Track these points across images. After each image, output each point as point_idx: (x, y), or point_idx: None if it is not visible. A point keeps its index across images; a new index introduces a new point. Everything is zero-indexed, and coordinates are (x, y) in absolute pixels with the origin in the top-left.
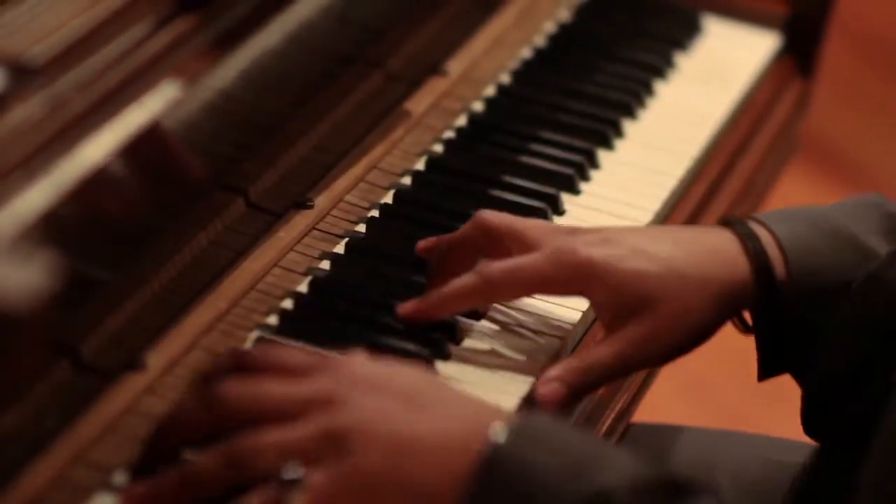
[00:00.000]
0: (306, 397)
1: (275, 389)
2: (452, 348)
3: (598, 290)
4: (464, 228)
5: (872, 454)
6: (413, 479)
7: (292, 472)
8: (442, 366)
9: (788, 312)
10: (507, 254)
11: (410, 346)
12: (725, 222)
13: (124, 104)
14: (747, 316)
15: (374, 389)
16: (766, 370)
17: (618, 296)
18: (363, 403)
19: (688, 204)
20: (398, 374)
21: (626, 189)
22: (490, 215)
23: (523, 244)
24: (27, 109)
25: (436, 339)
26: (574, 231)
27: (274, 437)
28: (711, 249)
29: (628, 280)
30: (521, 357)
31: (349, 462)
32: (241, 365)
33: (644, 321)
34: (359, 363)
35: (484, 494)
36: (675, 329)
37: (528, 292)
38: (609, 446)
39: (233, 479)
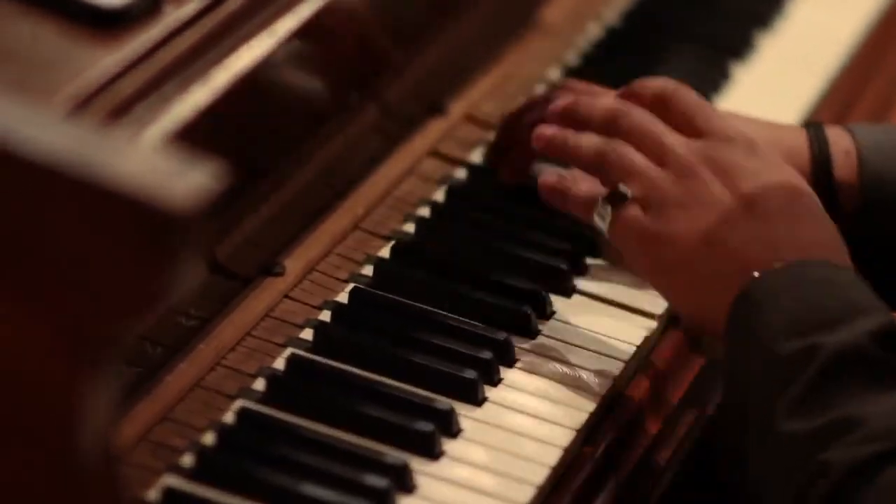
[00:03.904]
0: (679, 159)
1: (665, 138)
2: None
3: None
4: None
5: None
6: (705, 271)
7: (624, 189)
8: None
9: (857, 220)
10: None
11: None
12: (806, 125)
13: (276, 8)
14: None
15: (723, 174)
16: None
17: None
18: (709, 190)
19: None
20: (758, 174)
21: (759, 105)
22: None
23: None
24: (183, 11)
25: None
26: None
27: (640, 162)
28: (782, 144)
29: None
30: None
31: (662, 225)
32: (660, 93)
33: None
34: (742, 149)
35: (733, 327)
36: None
37: None
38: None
39: (592, 165)
